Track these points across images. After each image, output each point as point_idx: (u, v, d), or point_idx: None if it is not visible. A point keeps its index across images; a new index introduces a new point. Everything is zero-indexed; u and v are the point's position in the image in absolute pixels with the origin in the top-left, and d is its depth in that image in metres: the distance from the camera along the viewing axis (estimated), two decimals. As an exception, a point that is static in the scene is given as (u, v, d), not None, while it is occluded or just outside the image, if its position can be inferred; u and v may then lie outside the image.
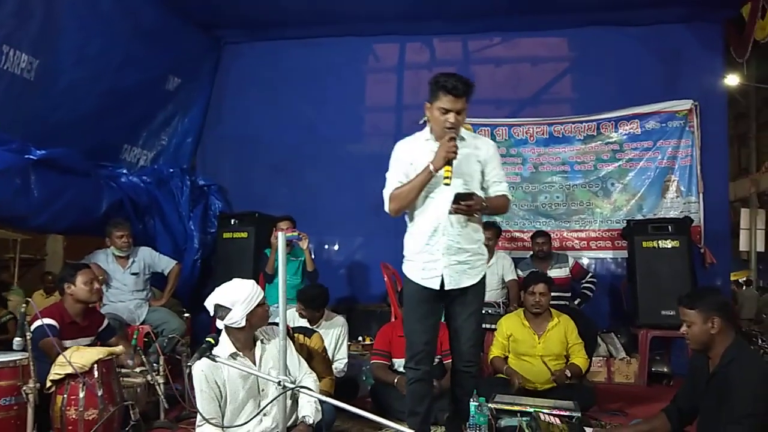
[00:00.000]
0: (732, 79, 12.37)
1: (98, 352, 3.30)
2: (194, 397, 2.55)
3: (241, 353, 2.67)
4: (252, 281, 2.76)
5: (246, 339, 2.70)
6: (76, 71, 4.78)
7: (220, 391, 2.64)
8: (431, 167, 2.73)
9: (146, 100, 5.83)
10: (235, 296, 2.62)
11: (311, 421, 2.54)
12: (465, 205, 2.72)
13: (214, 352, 2.61)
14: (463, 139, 2.85)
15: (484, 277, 2.98)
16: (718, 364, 2.46)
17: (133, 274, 4.80)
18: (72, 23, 4.64)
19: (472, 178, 2.87)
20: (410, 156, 2.89)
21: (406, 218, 3.02)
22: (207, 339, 2.37)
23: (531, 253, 5.57)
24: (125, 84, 5.32)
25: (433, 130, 2.89)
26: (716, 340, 2.47)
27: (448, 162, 2.68)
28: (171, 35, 5.79)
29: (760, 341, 7.23)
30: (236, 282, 2.71)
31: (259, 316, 2.68)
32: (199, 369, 2.56)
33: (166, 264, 4.97)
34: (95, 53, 4.91)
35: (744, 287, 11.26)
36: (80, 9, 4.69)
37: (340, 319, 4.12)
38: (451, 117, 2.75)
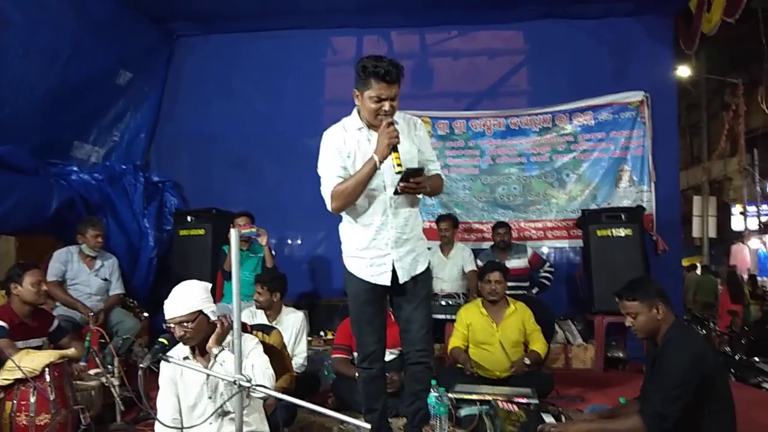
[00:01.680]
0: (683, 71, 12.77)
1: (49, 356, 3.21)
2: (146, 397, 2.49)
3: (192, 357, 2.62)
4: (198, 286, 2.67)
5: (198, 348, 2.64)
6: (22, 66, 4.63)
7: (177, 390, 2.61)
8: (376, 158, 2.55)
9: (97, 95, 5.67)
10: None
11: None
12: (415, 181, 2.57)
13: (172, 352, 2.59)
14: (397, 122, 2.62)
15: (429, 263, 2.93)
16: (660, 346, 2.56)
17: (103, 279, 4.71)
18: (17, 15, 4.49)
19: (413, 161, 2.67)
20: (346, 148, 2.69)
21: (344, 212, 2.81)
22: (159, 339, 2.33)
23: (491, 243, 5.64)
24: (74, 78, 5.18)
25: (364, 119, 2.70)
26: (661, 325, 2.56)
27: (394, 148, 2.53)
28: (121, 28, 5.65)
29: (711, 324, 7.51)
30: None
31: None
32: (163, 365, 2.52)
33: (114, 287, 4.80)
34: (42, 47, 4.76)
35: (689, 272, 11.70)
36: (26, 1, 4.53)
37: (299, 314, 4.09)
38: (386, 106, 2.57)
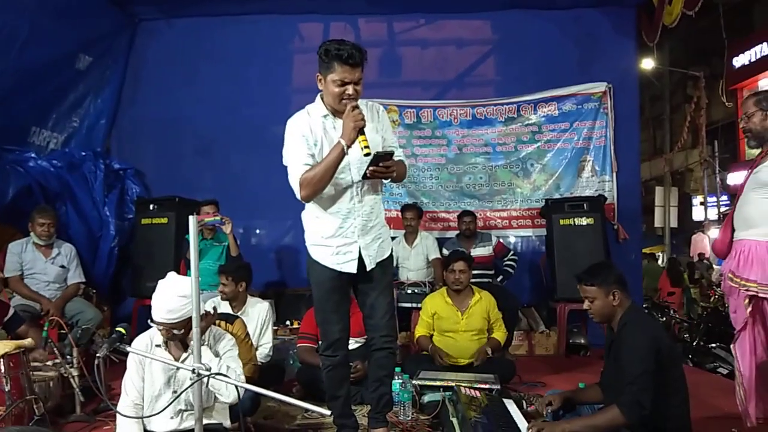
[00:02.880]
0: (646, 63, 12.99)
1: (4, 346, 3.13)
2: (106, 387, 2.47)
3: (164, 347, 2.60)
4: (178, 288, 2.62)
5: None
6: (-25, 47, 4.47)
7: (143, 375, 2.59)
8: (343, 143, 2.52)
9: (55, 79, 5.52)
10: None
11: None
12: (384, 165, 2.54)
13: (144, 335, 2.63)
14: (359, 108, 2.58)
15: (392, 249, 2.94)
16: (616, 331, 2.62)
17: (60, 266, 4.62)
18: (-29, -5, 4.33)
19: (376, 148, 2.62)
20: (312, 135, 2.65)
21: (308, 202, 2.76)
22: (117, 329, 2.29)
23: (457, 232, 5.69)
24: (32, 62, 5.03)
25: (327, 104, 2.66)
26: (617, 311, 2.62)
27: (360, 131, 2.50)
28: (80, 10, 5.49)
29: (671, 312, 7.72)
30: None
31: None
32: (133, 347, 2.48)
33: (72, 276, 4.71)
34: (-2, 28, 4.60)
35: (648, 261, 12.09)
36: (-20, -21, 4.39)
37: (264, 305, 4.06)
38: (350, 89, 2.55)
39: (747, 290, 2.72)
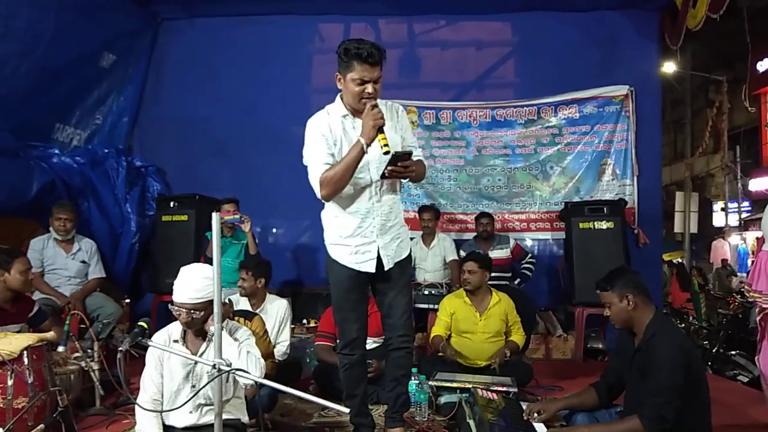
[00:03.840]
0: (668, 66, 12.86)
1: (28, 339, 3.18)
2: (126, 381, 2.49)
3: (181, 342, 2.62)
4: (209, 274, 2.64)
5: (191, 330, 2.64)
6: (3, 46, 4.54)
7: (162, 371, 2.62)
8: (362, 141, 2.54)
9: (79, 78, 5.58)
10: None
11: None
12: (403, 165, 2.55)
13: (162, 332, 2.65)
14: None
15: (410, 249, 2.95)
16: (641, 339, 2.56)
17: (81, 262, 4.68)
18: (-3, -5, 4.40)
19: (396, 148, 2.63)
20: (332, 135, 2.67)
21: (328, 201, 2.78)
22: (139, 323, 2.31)
23: (474, 234, 5.67)
24: (57, 60, 5.09)
25: (347, 104, 2.69)
26: (635, 317, 2.58)
27: (380, 130, 2.52)
28: (105, 10, 5.56)
29: (690, 318, 7.62)
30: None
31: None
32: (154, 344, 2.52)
33: (93, 271, 4.77)
34: (23, 27, 4.66)
35: (666, 266, 12.05)
36: (7, -20, 4.45)
37: (282, 302, 4.08)
38: (369, 88, 2.56)
39: (754, 300, 2.80)
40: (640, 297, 2.58)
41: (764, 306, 2.78)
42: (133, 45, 6.21)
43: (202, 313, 2.52)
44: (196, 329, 2.61)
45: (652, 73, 6.25)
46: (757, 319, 2.83)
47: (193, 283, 2.51)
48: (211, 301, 2.50)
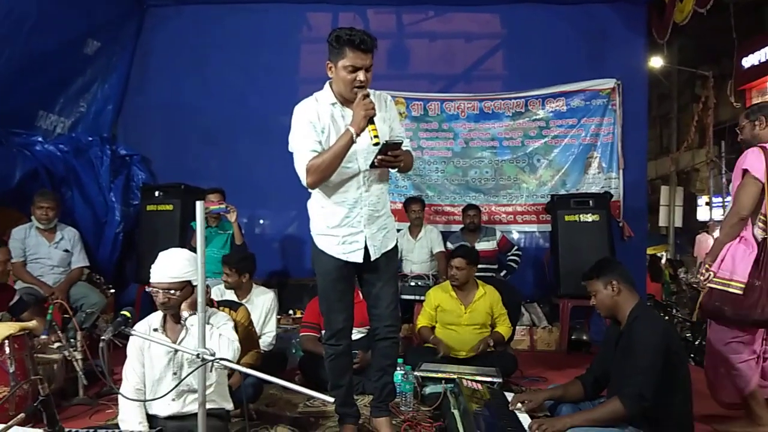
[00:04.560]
0: (655, 61, 12.91)
1: (9, 328, 3.16)
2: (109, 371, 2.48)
3: (162, 330, 2.61)
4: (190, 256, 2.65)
5: (170, 317, 2.64)
6: (-18, 31, 4.46)
7: (144, 361, 2.61)
8: (352, 131, 2.51)
9: (63, 64, 5.50)
10: None
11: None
12: (393, 155, 2.54)
13: (142, 322, 2.64)
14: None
15: (397, 240, 2.95)
16: (625, 324, 2.63)
17: (64, 250, 4.63)
18: (-21, -21, 4.32)
19: (385, 137, 2.63)
20: (320, 122, 2.63)
21: (315, 189, 2.76)
22: (122, 312, 2.29)
23: (461, 226, 5.68)
24: (40, 46, 5.01)
25: (337, 93, 2.65)
26: (619, 303, 2.64)
27: (370, 120, 2.49)
28: (89, -5, 5.48)
29: (674, 311, 7.71)
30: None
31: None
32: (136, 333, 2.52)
33: (76, 259, 4.72)
34: (4, 12, 4.58)
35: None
36: (-11, -36, 4.37)
37: (269, 294, 4.08)
38: (360, 75, 2.53)
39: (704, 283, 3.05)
40: (625, 285, 2.63)
41: (729, 291, 2.92)
42: (118, 32, 6.12)
43: (178, 293, 2.52)
44: (175, 316, 2.60)
45: (639, 67, 6.28)
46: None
47: (169, 262, 2.53)
48: (188, 282, 2.53)
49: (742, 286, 2.87)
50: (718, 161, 15.30)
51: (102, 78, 6.09)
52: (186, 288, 2.54)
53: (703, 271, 3.01)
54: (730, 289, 2.90)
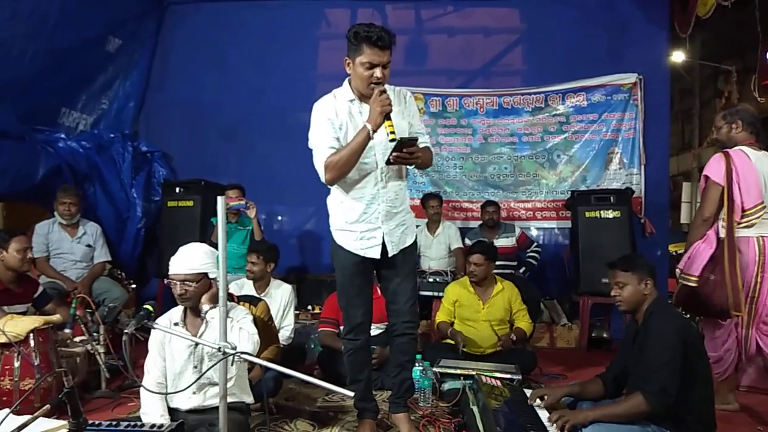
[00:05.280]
0: (677, 56, 12.71)
1: (34, 321, 3.22)
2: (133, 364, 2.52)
3: (183, 324, 2.64)
4: (207, 249, 2.68)
5: (189, 311, 2.67)
6: (8, 29, 4.51)
7: (164, 355, 2.64)
8: (369, 127, 2.52)
9: (85, 62, 5.56)
10: None
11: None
12: (408, 151, 2.54)
13: (163, 316, 2.68)
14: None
15: (416, 236, 2.95)
16: (641, 320, 2.61)
17: (87, 246, 4.69)
18: (2, -24, 4.38)
19: (403, 134, 2.64)
20: (338, 119, 2.65)
21: (334, 186, 2.79)
22: (145, 306, 2.32)
23: (480, 222, 5.65)
24: (63, 44, 5.06)
25: (355, 89, 2.67)
26: (645, 301, 2.61)
27: (387, 116, 2.50)
28: (111, -6, 5.53)
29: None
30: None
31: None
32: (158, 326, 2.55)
33: (98, 254, 4.78)
34: (29, 10, 4.64)
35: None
36: (12, -37, 4.43)
37: (287, 287, 4.10)
38: (378, 72, 2.54)
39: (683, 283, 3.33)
40: (654, 285, 2.62)
41: (686, 284, 3.28)
42: (139, 29, 6.18)
43: (195, 285, 2.55)
44: (195, 310, 2.63)
45: (661, 62, 6.17)
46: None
47: (187, 255, 2.59)
48: (204, 275, 2.57)
49: (696, 279, 3.20)
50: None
51: (123, 75, 6.15)
52: (202, 280, 2.58)
53: (677, 268, 3.33)
54: (689, 283, 3.23)
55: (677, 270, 3.36)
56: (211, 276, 2.60)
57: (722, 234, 3.20)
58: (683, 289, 3.28)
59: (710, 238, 3.24)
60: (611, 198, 5.34)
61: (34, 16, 4.71)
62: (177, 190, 5.62)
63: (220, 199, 2.09)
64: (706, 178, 3.23)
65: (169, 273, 2.60)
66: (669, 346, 2.39)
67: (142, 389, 2.61)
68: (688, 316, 3.37)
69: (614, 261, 2.71)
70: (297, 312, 4.45)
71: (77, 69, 5.49)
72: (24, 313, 3.51)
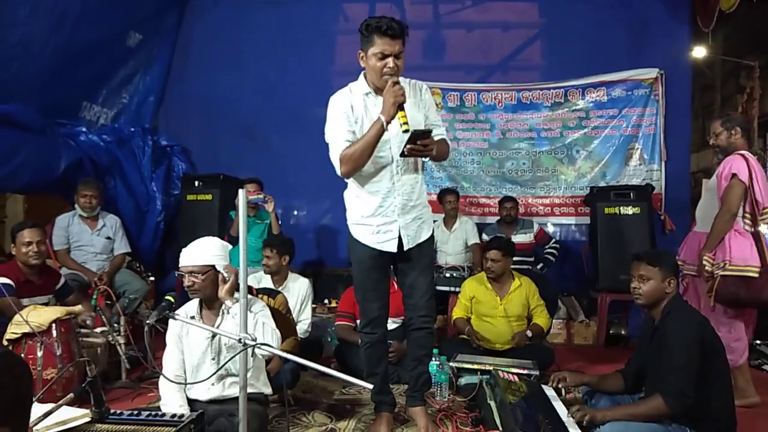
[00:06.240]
0: (698, 51, 12.52)
1: (56, 312, 3.26)
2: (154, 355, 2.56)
3: (199, 317, 2.67)
4: (217, 242, 2.71)
5: (205, 304, 2.69)
6: (30, 24, 4.55)
7: (182, 347, 2.67)
8: (383, 119, 2.51)
9: (106, 56, 5.61)
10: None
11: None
12: (422, 144, 2.52)
13: (180, 311, 2.69)
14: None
15: (433, 230, 2.94)
16: (659, 318, 2.59)
17: (106, 238, 4.74)
18: (24, -28, 4.42)
19: (419, 125, 2.65)
20: (354, 113, 2.65)
21: (350, 179, 2.79)
22: (166, 297, 2.34)
23: (497, 218, 5.63)
24: (84, 38, 5.10)
25: (370, 82, 2.68)
26: (664, 298, 2.59)
27: (400, 107, 2.48)
28: (131, -12, 5.57)
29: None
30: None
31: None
32: (171, 323, 2.58)
33: (118, 246, 4.82)
34: (51, 5, 4.68)
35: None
36: (33, -43, 4.47)
37: (304, 281, 4.12)
38: (390, 62, 2.53)
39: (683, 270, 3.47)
40: (675, 284, 2.61)
41: (686, 272, 3.46)
42: (159, 24, 6.21)
43: (202, 277, 2.57)
44: (210, 303, 2.65)
45: (682, 56, 6.08)
46: (682, 283, 3.46)
47: (195, 248, 2.61)
48: (212, 267, 2.59)
49: (758, 269, 3.22)
50: (763, 154, 14.79)
51: (144, 70, 6.20)
52: (209, 272, 2.59)
53: (706, 262, 3.30)
54: (749, 274, 3.22)
55: (711, 261, 3.31)
56: (219, 268, 2.62)
57: (748, 229, 3.32)
58: (738, 281, 3.24)
59: (743, 232, 3.31)
60: (631, 194, 5.29)
61: (55, 10, 4.75)
62: (196, 183, 5.67)
63: (241, 192, 2.09)
64: (734, 175, 3.31)
65: (179, 265, 2.62)
66: (687, 347, 2.38)
67: (160, 381, 2.64)
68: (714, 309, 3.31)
69: (641, 253, 2.70)
70: (314, 306, 4.47)
71: (98, 63, 5.53)
72: (46, 304, 3.56)
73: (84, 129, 5.43)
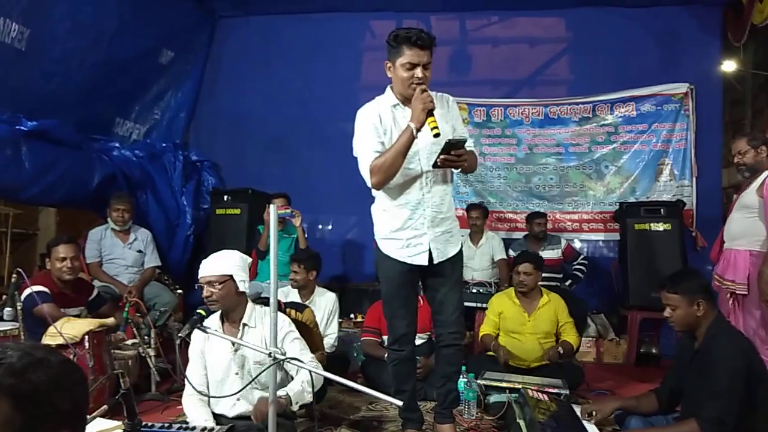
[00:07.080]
0: (729, 65, 12.34)
1: (89, 324, 3.32)
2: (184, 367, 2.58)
3: (220, 331, 2.68)
4: (236, 254, 2.74)
5: (226, 318, 2.72)
6: (68, 40, 4.67)
7: (205, 363, 2.70)
8: (412, 126, 2.49)
9: (139, 73, 5.74)
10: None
11: (287, 395, 2.49)
12: (456, 154, 2.49)
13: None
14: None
15: (461, 245, 2.91)
16: (702, 341, 2.50)
17: (138, 251, 4.81)
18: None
19: (447, 136, 2.60)
20: (382, 125, 2.64)
21: (376, 192, 2.77)
22: (197, 311, 2.37)
23: (525, 233, 5.58)
24: (119, 55, 5.23)
25: (397, 93, 2.66)
26: (701, 322, 2.49)
27: (429, 113, 2.46)
28: (165, 7, 5.67)
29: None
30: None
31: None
32: (193, 338, 2.61)
33: (149, 259, 4.89)
34: (88, 22, 4.80)
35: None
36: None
37: (331, 295, 4.13)
38: (418, 72, 2.52)
39: (728, 288, 3.35)
40: (709, 302, 2.49)
41: (738, 292, 3.31)
42: (191, 42, 6.34)
43: (219, 286, 2.60)
44: (231, 318, 2.69)
45: (713, 71, 6.00)
46: (729, 302, 3.35)
47: (213, 259, 2.67)
48: (229, 277, 2.63)
49: None
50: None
51: (175, 86, 6.33)
52: (227, 282, 2.62)
53: None
54: None
55: None
56: (237, 280, 2.64)
57: None
58: None
59: None
60: (662, 210, 5.21)
61: (93, 28, 4.87)
62: (225, 198, 5.75)
63: (272, 208, 2.12)
64: None
65: (199, 276, 2.66)
66: (731, 372, 2.29)
67: (184, 398, 2.66)
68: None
69: (662, 280, 2.60)
70: (340, 320, 4.48)
71: (131, 80, 5.66)
72: (78, 316, 3.62)
73: (117, 144, 5.54)
